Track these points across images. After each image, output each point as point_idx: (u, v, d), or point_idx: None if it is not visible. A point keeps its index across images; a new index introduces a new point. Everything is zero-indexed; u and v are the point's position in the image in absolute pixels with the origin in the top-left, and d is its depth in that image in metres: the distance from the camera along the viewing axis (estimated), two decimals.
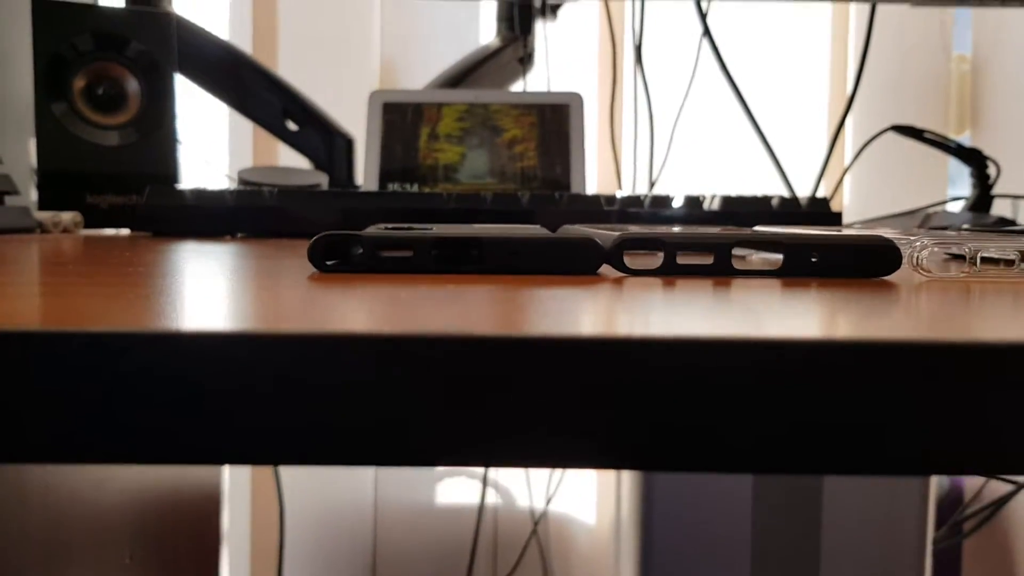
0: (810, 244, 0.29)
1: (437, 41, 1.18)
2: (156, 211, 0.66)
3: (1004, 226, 0.92)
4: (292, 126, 1.00)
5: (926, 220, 0.92)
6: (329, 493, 1.18)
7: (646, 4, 1.02)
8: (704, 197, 0.71)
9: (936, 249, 0.29)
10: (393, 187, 0.86)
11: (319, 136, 1.00)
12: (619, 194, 0.73)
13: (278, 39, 1.13)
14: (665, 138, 1.06)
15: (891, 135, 0.99)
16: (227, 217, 0.65)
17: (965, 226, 0.54)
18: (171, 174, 0.83)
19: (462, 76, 1.09)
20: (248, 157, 1.14)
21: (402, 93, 0.90)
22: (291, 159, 1.05)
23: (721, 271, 0.29)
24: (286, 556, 1.11)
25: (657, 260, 0.30)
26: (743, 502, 0.80)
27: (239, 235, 0.64)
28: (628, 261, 0.30)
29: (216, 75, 0.99)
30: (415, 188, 0.87)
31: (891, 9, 1.02)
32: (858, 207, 1.13)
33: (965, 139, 1.17)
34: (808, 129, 1.17)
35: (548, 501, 1.15)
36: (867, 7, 1.00)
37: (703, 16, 0.97)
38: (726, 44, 1.18)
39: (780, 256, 0.30)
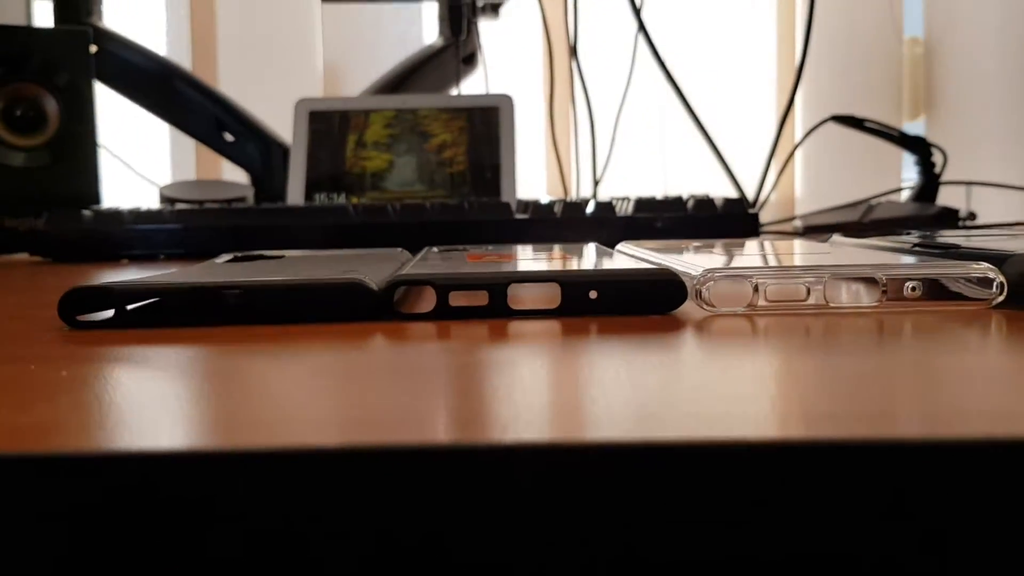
0: (587, 280, 0.28)
1: (381, 44, 1.17)
2: (53, 236, 0.65)
3: (946, 216, 0.90)
4: (228, 137, 0.99)
5: (868, 212, 0.90)
6: None
7: (580, 3, 1.00)
8: (617, 201, 0.70)
9: (717, 283, 0.28)
10: (320, 197, 0.85)
11: (255, 146, 0.99)
12: (546, 199, 0.71)
13: (217, 49, 1.12)
14: (610, 138, 1.05)
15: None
16: (124, 240, 0.64)
17: (837, 237, 0.53)
18: (91, 193, 0.82)
19: (403, 78, 1.07)
20: (191, 169, 1.13)
21: (329, 101, 0.89)
22: (235, 172, 1.04)
23: (496, 312, 0.28)
24: None
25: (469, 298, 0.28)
26: None
27: (123, 260, 0.63)
28: (406, 302, 0.29)
29: (146, 88, 0.98)
30: (341, 198, 0.85)
31: None
32: (811, 197, 1.12)
33: (920, 124, 1.15)
34: (758, 120, 1.15)
35: None
36: None
37: (637, 12, 0.95)
38: (669, 37, 1.16)
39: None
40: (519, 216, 0.69)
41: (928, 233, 0.46)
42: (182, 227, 0.63)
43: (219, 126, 0.99)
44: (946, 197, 0.99)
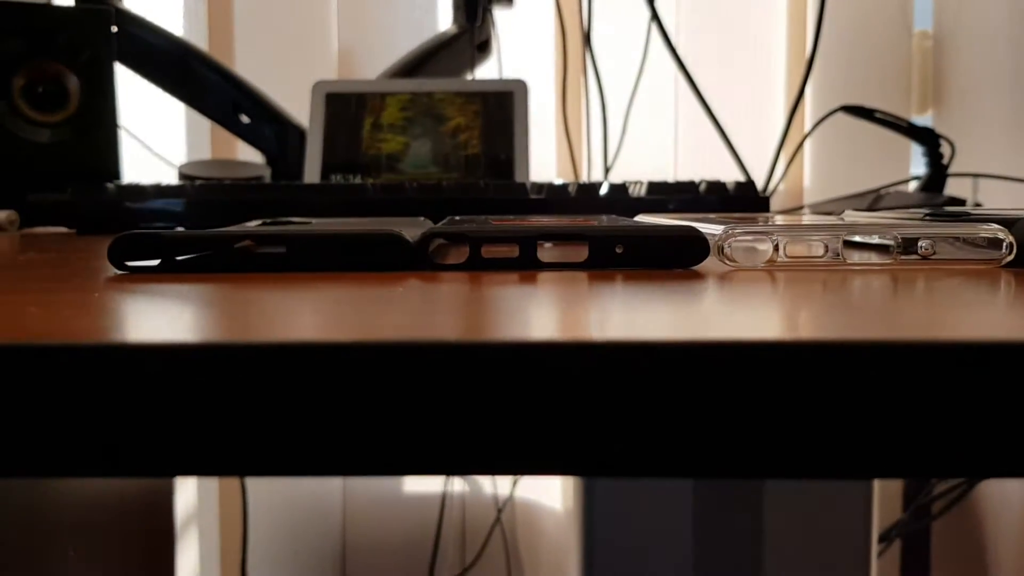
0: (614, 235, 0.29)
1: (395, 29, 1.18)
2: (79, 209, 0.66)
3: (952, 206, 0.91)
4: (244, 119, 1.01)
5: (876, 201, 0.91)
6: (296, 481, 1.19)
7: None
8: (630, 184, 0.71)
9: (741, 239, 0.29)
10: (336, 178, 0.87)
11: (271, 128, 1.01)
12: (558, 181, 0.73)
13: (234, 31, 1.13)
14: (622, 124, 1.06)
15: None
16: (148, 213, 0.65)
17: (850, 212, 0.54)
18: (112, 170, 0.83)
19: (417, 64, 1.09)
20: (206, 150, 1.14)
21: (345, 83, 0.90)
22: (249, 152, 1.05)
23: (526, 264, 0.29)
24: (251, 545, 1.12)
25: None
26: (685, 501, 0.80)
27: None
28: (440, 255, 0.30)
29: (165, 69, 1.00)
30: (358, 179, 0.87)
31: None
32: (820, 187, 1.13)
33: (928, 118, 1.16)
34: (768, 110, 1.16)
35: (513, 486, 1.16)
36: None
37: (650, 1, 0.96)
38: (682, 26, 1.17)
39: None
40: (534, 196, 0.70)
41: (938, 209, 0.47)
42: (204, 201, 0.65)
43: (235, 108, 1.01)
44: (953, 189, 1.00)
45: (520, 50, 1.15)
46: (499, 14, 1.12)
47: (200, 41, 1.13)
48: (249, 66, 1.11)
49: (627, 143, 1.09)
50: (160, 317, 0.21)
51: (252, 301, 0.23)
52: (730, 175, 1.02)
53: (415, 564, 1.15)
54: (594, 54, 1.02)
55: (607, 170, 1.05)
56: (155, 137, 1.12)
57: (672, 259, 0.30)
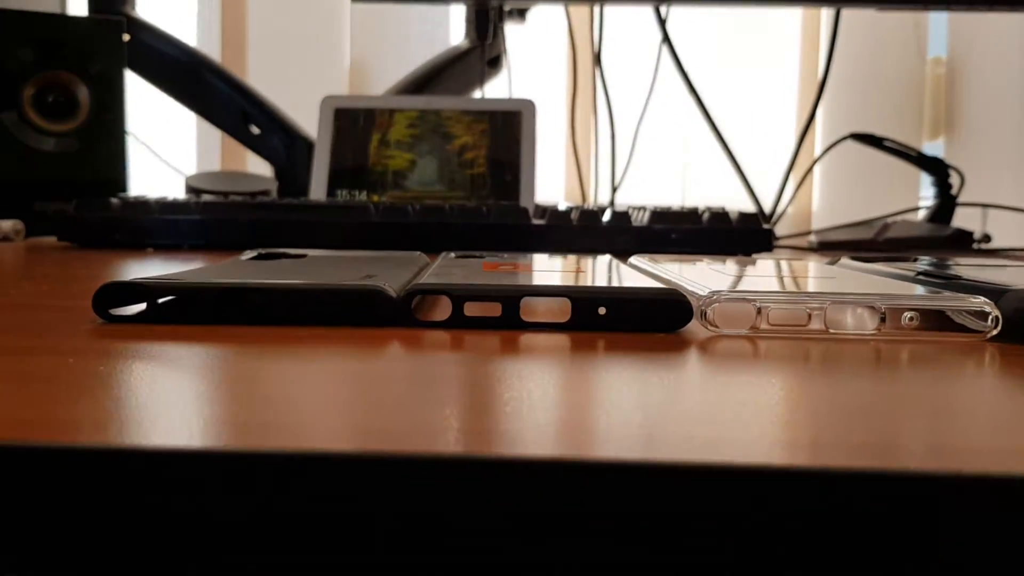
0: (597, 297, 0.29)
1: (408, 43, 1.18)
2: (82, 222, 0.66)
3: (960, 238, 0.91)
4: (255, 130, 1.01)
5: (883, 230, 0.91)
6: None
7: (607, 10, 1.01)
8: (633, 211, 0.71)
9: (722, 305, 0.29)
10: (342, 194, 0.87)
11: (280, 140, 1.01)
12: (563, 205, 0.73)
13: (247, 42, 1.14)
14: (630, 146, 1.06)
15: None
16: (149, 229, 0.65)
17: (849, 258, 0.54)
18: (119, 180, 0.84)
19: (428, 79, 1.09)
20: (216, 159, 1.15)
21: (354, 99, 0.91)
22: (259, 164, 1.05)
23: (509, 323, 0.29)
24: None
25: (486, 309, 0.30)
26: None
27: (148, 249, 0.65)
28: (421, 309, 0.30)
29: (176, 78, 1.00)
30: (363, 195, 0.87)
31: (864, 11, 1.00)
32: (828, 212, 1.12)
33: (939, 144, 1.15)
34: (780, 135, 1.15)
35: None
36: (835, 11, 0.99)
37: (662, 22, 0.96)
38: (694, 50, 1.17)
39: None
40: (536, 222, 0.70)
41: (936, 260, 0.46)
42: (206, 219, 0.65)
43: (246, 118, 1.01)
44: (963, 218, 1.00)
45: (532, 68, 1.15)
46: (512, 31, 1.12)
47: (213, 51, 1.14)
48: (261, 77, 1.12)
49: (637, 165, 1.09)
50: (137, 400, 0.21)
51: (233, 377, 0.23)
52: (740, 198, 1.02)
53: None
54: (604, 75, 1.01)
55: (614, 191, 1.05)
56: (166, 145, 1.13)
57: (655, 323, 0.29)
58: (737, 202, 1.01)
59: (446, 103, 0.91)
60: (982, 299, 0.30)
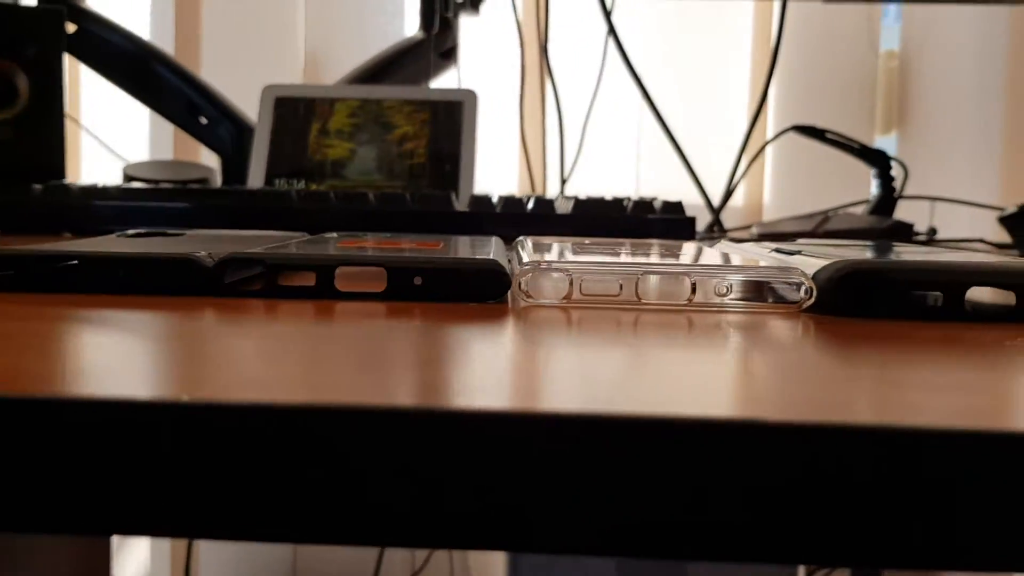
0: (413, 267, 0.29)
1: (362, 34, 1.18)
2: (2, 209, 0.66)
3: (900, 230, 0.91)
4: (203, 120, 1.01)
5: (824, 222, 0.90)
6: None
7: (555, 1, 1.01)
8: (556, 199, 0.71)
9: (536, 275, 0.29)
10: (280, 182, 0.87)
11: (227, 130, 1.01)
12: (496, 195, 0.73)
13: (201, 33, 1.14)
14: (579, 138, 1.06)
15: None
16: (67, 214, 0.65)
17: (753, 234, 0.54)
18: (57, 168, 0.84)
19: (379, 70, 1.09)
20: (169, 150, 1.15)
21: (295, 88, 0.91)
22: (213, 154, 1.05)
23: (323, 293, 0.29)
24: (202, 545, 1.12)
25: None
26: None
27: (66, 234, 0.65)
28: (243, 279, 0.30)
29: (123, 68, 1.00)
30: (301, 184, 0.87)
31: (816, 4, 1.00)
32: (779, 205, 1.12)
33: (892, 139, 1.15)
34: (733, 127, 1.15)
35: None
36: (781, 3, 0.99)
37: (607, 14, 0.96)
38: (647, 41, 1.17)
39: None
40: (459, 209, 0.70)
41: (816, 243, 0.46)
42: (124, 206, 0.65)
43: (193, 109, 1.01)
44: (913, 212, 1.00)
45: (485, 59, 1.15)
46: (466, 23, 1.12)
47: (167, 43, 1.14)
48: (215, 68, 1.12)
49: (590, 157, 1.09)
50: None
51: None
52: (693, 190, 1.02)
53: (365, 567, 1.15)
54: (551, 67, 1.02)
55: (563, 182, 1.05)
56: (122, 135, 1.13)
57: (472, 293, 0.30)
58: (690, 194, 1.01)
59: (387, 92, 0.91)
60: (798, 271, 0.30)
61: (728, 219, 1.07)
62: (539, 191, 1.12)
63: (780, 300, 0.30)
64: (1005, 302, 0.29)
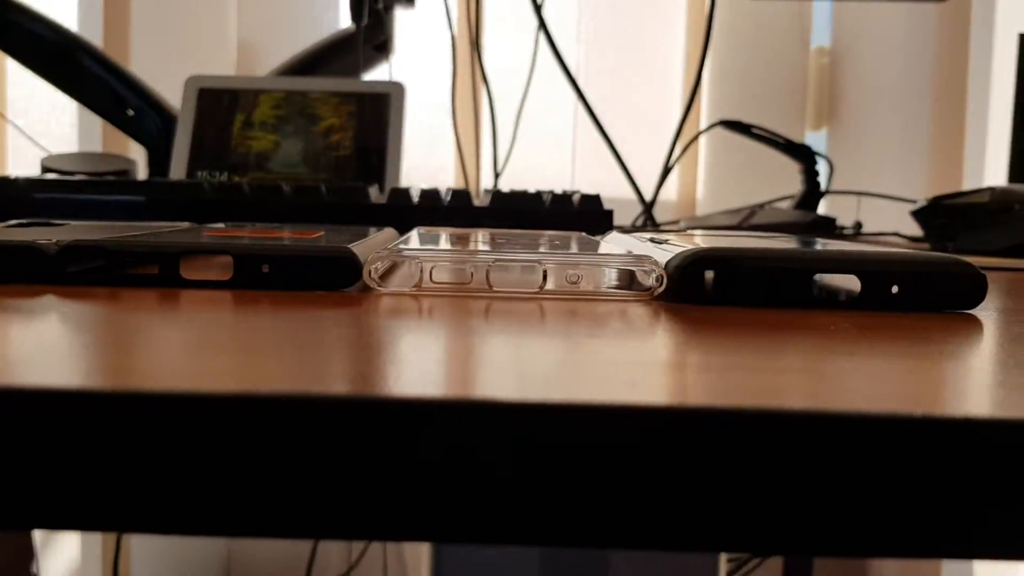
0: (259, 254, 0.29)
1: (296, 26, 1.17)
2: None
3: (822, 224, 0.91)
4: (130, 112, 0.99)
5: (749, 217, 0.91)
6: None
7: None
8: (484, 192, 0.71)
9: (386, 263, 0.29)
10: (202, 174, 0.86)
11: (154, 122, 0.99)
12: (416, 188, 0.73)
13: (131, 24, 1.12)
14: (512, 132, 1.06)
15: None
16: None
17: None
18: None
19: (311, 62, 1.08)
20: (98, 142, 1.13)
21: (219, 79, 0.89)
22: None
23: (167, 282, 0.29)
24: (134, 543, 1.11)
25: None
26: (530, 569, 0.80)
27: None
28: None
29: (48, 60, 0.98)
30: (224, 176, 0.86)
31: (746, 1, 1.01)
32: (712, 200, 1.13)
33: (823, 135, 1.16)
34: (668, 124, 1.16)
35: None
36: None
37: (538, 8, 0.96)
38: (580, 34, 1.17)
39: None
40: (375, 201, 0.69)
41: (705, 235, 0.47)
42: (26, 197, 0.64)
43: (119, 101, 0.99)
44: (843, 206, 1.01)
45: (421, 54, 1.14)
46: (402, 16, 1.12)
47: (95, 34, 1.12)
48: (146, 60, 1.10)
49: (528, 152, 1.09)
50: None
51: None
52: (627, 184, 1.02)
53: (300, 566, 1.15)
54: (483, 61, 1.01)
55: (497, 176, 1.05)
56: (52, 128, 1.11)
57: (321, 281, 0.29)
58: (626, 188, 1.01)
59: (313, 84, 0.90)
60: (649, 259, 0.30)
61: (663, 214, 1.08)
62: (473, 185, 1.11)
63: (640, 289, 0.30)
64: (855, 289, 0.30)
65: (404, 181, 0.92)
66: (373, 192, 0.70)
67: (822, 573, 1.18)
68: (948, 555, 0.16)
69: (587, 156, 1.18)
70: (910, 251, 0.30)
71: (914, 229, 0.92)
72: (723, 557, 0.80)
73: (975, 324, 0.27)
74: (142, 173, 0.98)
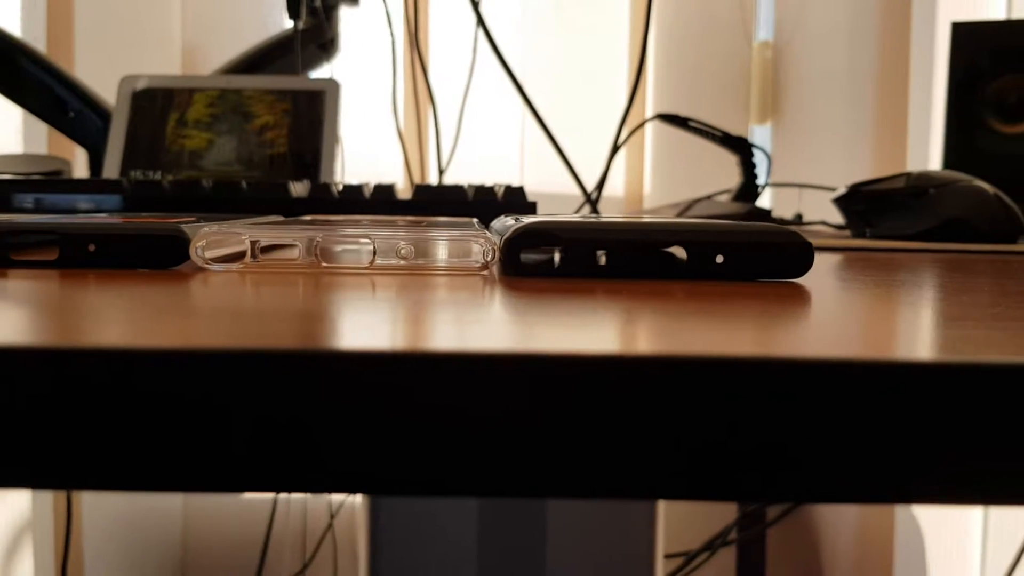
0: (85, 233, 0.29)
1: (241, 27, 1.17)
2: None
3: (758, 216, 0.92)
4: (71, 113, 0.99)
5: (687, 209, 0.92)
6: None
7: None
8: (396, 186, 0.71)
9: (212, 240, 0.29)
10: (135, 174, 0.85)
11: (93, 123, 0.99)
12: (339, 183, 0.73)
13: (74, 27, 1.12)
14: (455, 128, 1.06)
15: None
16: None
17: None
18: None
19: (253, 62, 1.08)
20: (43, 143, 1.13)
21: (153, 78, 0.89)
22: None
23: (68, 262, 0.29)
24: (86, 547, 1.10)
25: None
26: (469, 521, 0.80)
27: None
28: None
29: None
30: (157, 175, 0.86)
31: None
32: (658, 194, 1.13)
33: (767, 128, 1.17)
34: (613, 119, 1.16)
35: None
36: None
37: (475, 4, 0.96)
38: (522, 30, 1.17)
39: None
40: (296, 196, 0.69)
41: (579, 216, 0.47)
42: None
43: (59, 103, 0.99)
44: (785, 199, 1.01)
45: (367, 52, 1.14)
46: (347, 14, 1.12)
47: (38, 36, 1.11)
48: (90, 63, 1.10)
49: (477, 146, 1.09)
50: None
51: None
52: (570, 180, 1.02)
53: (253, 566, 1.14)
54: (423, 58, 1.01)
55: (441, 173, 1.05)
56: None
57: (148, 259, 0.29)
58: (572, 183, 1.01)
59: (247, 82, 0.90)
60: (480, 232, 0.30)
61: (609, 209, 1.08)
62: (417, 181, 1.11)
63: (460, 264, 0.30)
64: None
65: (352, 178, 0.92)
66: (296, 187, 0.70)
67: (775, 569, 1.18)
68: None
69: (536, 151, 1.18)
70: (739, 223, 0.30)
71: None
72: (660, 556, 0.81)
73: (790, 289, 0.27)
74: (81, 173, 0.98)
